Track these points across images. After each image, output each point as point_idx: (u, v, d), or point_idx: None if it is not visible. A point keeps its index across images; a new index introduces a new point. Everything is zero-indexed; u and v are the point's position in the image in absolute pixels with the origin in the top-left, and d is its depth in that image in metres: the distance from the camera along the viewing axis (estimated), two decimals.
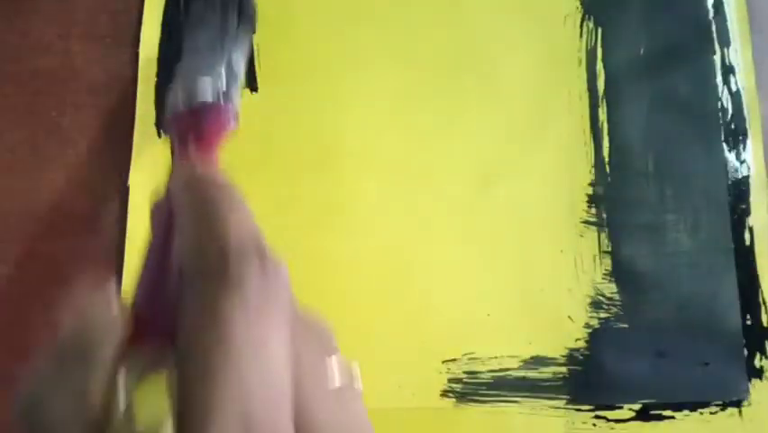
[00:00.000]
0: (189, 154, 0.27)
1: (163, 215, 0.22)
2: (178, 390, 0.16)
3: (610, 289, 0.37)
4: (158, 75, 0.38)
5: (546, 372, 0.36)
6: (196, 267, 0.18)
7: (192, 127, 0.27)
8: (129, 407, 0.17)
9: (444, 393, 0.35)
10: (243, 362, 0.16)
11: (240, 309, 0.17)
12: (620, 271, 0.37)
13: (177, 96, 0.29)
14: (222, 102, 0.29)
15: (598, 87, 0.39)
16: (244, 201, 0.20)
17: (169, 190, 0.22)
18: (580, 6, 0.40)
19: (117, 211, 0.37)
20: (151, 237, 0.23)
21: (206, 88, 0.29)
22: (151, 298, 0.20)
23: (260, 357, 0.16)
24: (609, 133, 0.39)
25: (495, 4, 0.40)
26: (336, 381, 0.20)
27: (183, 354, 0.17)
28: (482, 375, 0.36)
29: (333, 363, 0.20)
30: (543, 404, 0.35)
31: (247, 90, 0.39)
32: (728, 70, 0.39)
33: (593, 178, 0.38)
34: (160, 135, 0.38)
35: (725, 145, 0.38)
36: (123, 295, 0.36)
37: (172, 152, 0.27)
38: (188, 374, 0.16)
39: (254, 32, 0.34)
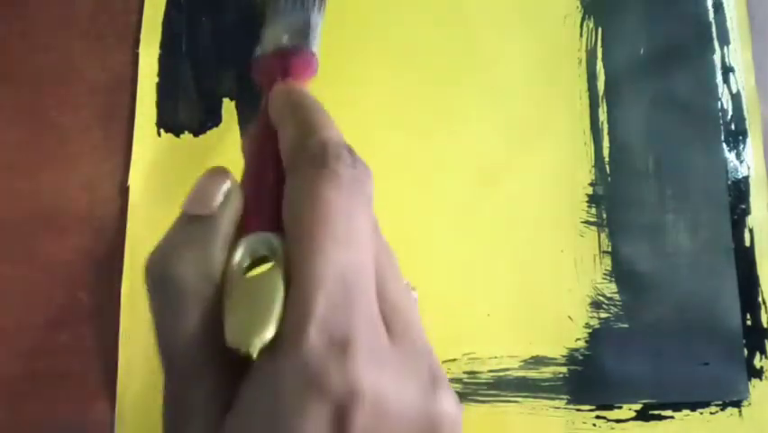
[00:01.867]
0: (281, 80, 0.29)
1: (255, 133, 0.26)
2: (288, 261, 0.20)
3: (610, 289, 0.37)
4: (159, 75, 0.38)
5: (546, 372, 0.36)
6: (300, 159, 0.22)
7: (279, 69, 0.30)
8: (243, 265, 0.21)
9: None
10: (340, 233, 0.20)
11: (336, 191, 0.20)
12: (620, 271, 0.37)
13: (266, 39, 0.31)
14: (306, 48, 0.31)
15: (598, 87, 0.39)
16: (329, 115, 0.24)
17: (270, 102, 0.26)
18: (580, 6, 0.40)
19: (117, 211, 0.37)
20: (248, 151, 0.27)
21: (293, 33, 0.31)
22: (256, 192, 0.23)
23: (351, 229, 0.20)
24: (609, 133, 0.39)
25: (495, 5, 0.40)
26: (404, 278, 0.24)
27: (291, 231, 0.20)
28: (482, 375, 0.36)
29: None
30: (543, 404, 0.35)
31: None
32: (728, 70, 0.39)
33: (593, 178, 0.38)
34: (159, 135, 0.38)
35: (725, 145, 0.39)
36: (123, 292, 0.36)
37: (264, 92, 0.29)
38: (297, 248, 0.20)
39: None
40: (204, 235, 0.21)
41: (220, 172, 0.23)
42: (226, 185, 0.22)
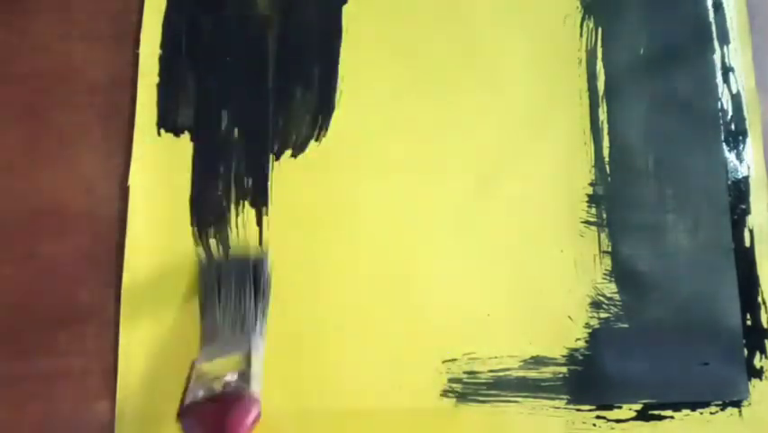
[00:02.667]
0: None
1: None
2: None
3: (610, 289, 0.37)
4: (159, 75, 0.38)
5: (546, 372, 0.36)
6: None
7: (214, 422, 0.28)
8: None
9: (444, 393, 0.35)
10: None
11: None
12: (620, 271, 0.37)
13: (197, 384, 0.30)
14: (245, 394, 0.29)
15: (598, 87, 0.39)
16: None
17: None
18: (580, 6, 0.40)
19: (117, 211, 0.37)
20: None
21: (229, 380, 0.30)
22: None
23: None
24: (609, 133, 0.39)
25: (495, 5, 0.40)
26: None
27: None
28: (482, 375, 0.36)
29: None
30: (543, 404, 0.35)
31: None
32: (728, 70, 0.39)
33: (593, 178, 0.38)
34: (159, 135, 0.38)
35: (725, 145, 0.39)
36: (123, 292, 0.36)
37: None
38: None
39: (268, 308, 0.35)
40: None
41: None
42: None
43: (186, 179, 0.37)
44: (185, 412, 0.29)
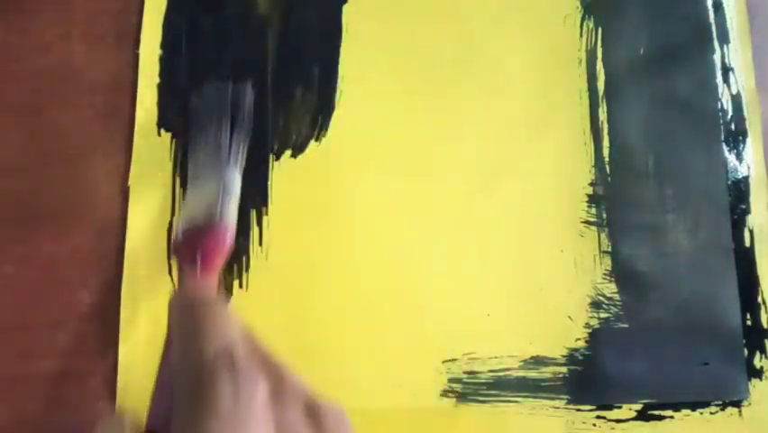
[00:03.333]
0: (193, 274, 0.30)
1: (165, 342, 0.25)
2: None
3: (610, 289, 0.37)
4: (159, 75, 0.38)
5: (546, 372, 0.36)
6: (179, 389, 0.21)
7: (190, 252, 0.30)
8: None
9: (444, 393, 0.35)
10: None
11: (217, 422, 0.19)
12: (620, 271, 0.37)
13: (178, 224, 0.32)
14: (217, 224, 0.31)
15: (598, 87, 0.39)
16: (227, 314, 0.22)
17: (168, 312, 0.24)
18: (580, 6, 0.40)
19: (117, 211, 0.37)
20: (163, 355, 0.26)
21: (199, 214, 0.32)
22: (165, 414, 0.22)
23: None
24: (609, 133, 0.39)
25: (495, 5, 0.40)
26: None
27: None
28: (482, 375, 0.36)
29: None
30: (543, 404, 0.35)
31: None
32: (728, 70, 0.39)
33: (593, 178, 0.38)
34: (159, 134, 0.38)
35: (725, 145, 0.39)
36: (123, 294, 0.36)
37: (179, 275, 0.30)
38: None
39: (249, 138, 0.36)
40: None
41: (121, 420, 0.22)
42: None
43: (186, 178, 0.37)
44: (172, 251, 0.31)
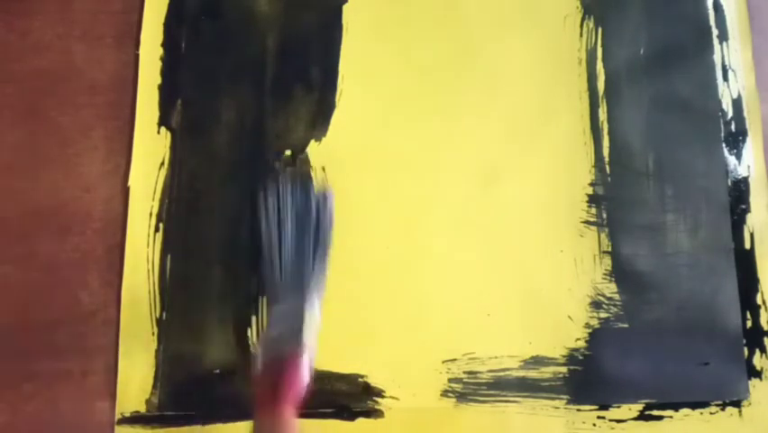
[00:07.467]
0: (271, 406, 0.29)
1: None
2: None
3: (610, 289, 0.37)
4: (159, 75, 0.38)
5: (546, 372, 0.36)
6: None
7: (271, 385, 0.30)
8: None
9: (444, 393, 0.35)
10: None
11: None
12: (620, 271, 0.37)
13: (259, 355, 0.31)
14: (300, 357, 0.31)
15: (598, 87, 0.39)
16: None
17: None
18: (580, 6, 0.40)
19: (117, 211, 0.37)
20: None
21: (281, 344, 0.31)
22: None
23: None
24: (609, 133, 0.39)
25: (495, 5, 0.40)
26: None
27: None
28: (482, 375, 0.36)
29: None
30: (543, 404, 0.35)
31: None
32: (728, 70, 0.39)
33: (593, 178, 0.38)
34: (159, 133, 0.38)
35: (725, 145, 0.39)
36: (124, 292, 0.36)
37: (258, 407, 0.30)
38: None
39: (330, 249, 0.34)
40: None
41: None
42: None
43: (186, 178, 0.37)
44: (252, 384, 0.31)
